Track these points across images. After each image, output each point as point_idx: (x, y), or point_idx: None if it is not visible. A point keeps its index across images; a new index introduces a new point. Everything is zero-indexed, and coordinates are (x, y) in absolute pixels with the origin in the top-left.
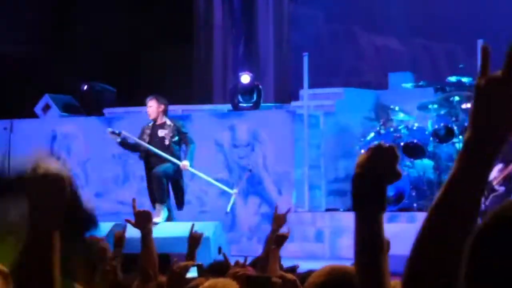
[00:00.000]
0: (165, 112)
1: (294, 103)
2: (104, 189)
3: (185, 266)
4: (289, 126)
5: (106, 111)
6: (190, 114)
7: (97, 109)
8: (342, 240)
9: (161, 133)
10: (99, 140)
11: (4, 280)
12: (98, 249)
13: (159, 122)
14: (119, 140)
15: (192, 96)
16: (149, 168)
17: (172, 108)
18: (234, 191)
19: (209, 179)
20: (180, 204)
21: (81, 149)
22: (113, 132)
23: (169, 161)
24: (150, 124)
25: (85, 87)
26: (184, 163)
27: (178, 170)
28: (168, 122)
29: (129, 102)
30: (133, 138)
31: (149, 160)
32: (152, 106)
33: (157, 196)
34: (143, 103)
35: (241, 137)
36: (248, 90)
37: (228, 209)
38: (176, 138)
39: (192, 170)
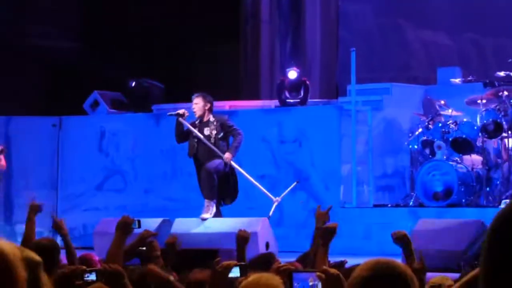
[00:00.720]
0: (210, 110)
1: (341, 99)
2: (153, 185)
3: (228, 265)
4: (336, 121)
5: (155, 107)
6: (237, 110)
7: (145, 106)
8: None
9: (206, 131)
10: (148, 136)
11: (38, 269)
12: (149, 246)
13: (204, 120)
14: (177, 117)
15: (239, 92)
16: (198, 165)
17: (219, 104)
18: (276, 199)
19: (251, 178)
20: (228, 199)
21: (129, 146)
22: (171, 114)
23: (218, 157)
24: (196, 122)
25: (133, 84)
26: (226, 155)
27: (230, 167)
28: (212, 119)
29: (177, 98)
30: (186, 125)
31: (198, 157)
32: (198, 104)
33: (206, 192)
34: (191, 99)
35: (288, 133)
36: (295, 86)
37: (270, 213)
38: (221, 134)
39: (234, 165)
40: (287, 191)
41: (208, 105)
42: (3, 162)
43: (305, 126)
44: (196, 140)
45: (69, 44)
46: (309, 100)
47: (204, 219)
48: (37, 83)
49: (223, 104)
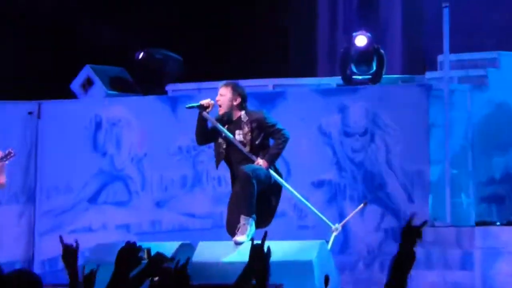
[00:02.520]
0: (241, 107)
1: (429, 74)
2: (167, 195)
3: None
4: (423, 106)
5: (170, 87)
6: (284, 90)
7: (158, 85)
8: (500, 265)
9: (238, 135)
10: (161, 128)
11: None
12: (163, 276)
13: (234, 118)
14: (199, 110)
15: (287, 66)
16: (232, 169)
17: (260, 82)
18: (335, 228)
19: (298, 195)
20: (262, 222)
21: (135, 141)
22: (191, 107)
23: (251, 159)
24: (224, 119)
25: (141, 55)
26: (259, 161)
27: (273, 179)
28: (245, 117)
29: (202, 76)
30: (212, 121)
31: (230, 160)
32: (225, 96)
33: (242, 204)
34: (221, 77)
35: (355, 123)
36: (364, 57)
37: (328, 247)
38: (260, 138)
39: (274, 174)
40: (351, 215)
41: (238, 99)
42: (2, 180)
43: (379, 112)
44: (225, 144)
45: (52, 2)
46: (384, 76)
47: (238, 243)
48: (6, 56)
49: (264, 83)
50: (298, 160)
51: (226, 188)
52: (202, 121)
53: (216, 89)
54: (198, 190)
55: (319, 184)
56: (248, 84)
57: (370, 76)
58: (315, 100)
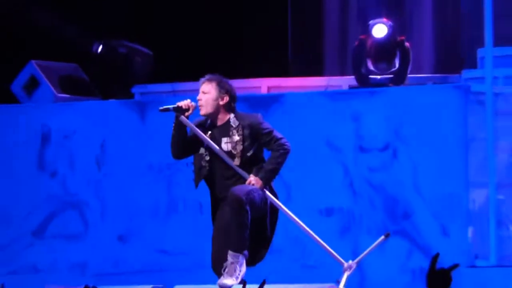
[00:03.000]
0: (229, 108)
1: (467, 73)
2: (134, 226)
3: None
4: (460, 114)
5: (137, 89)
6: (281, 94)
7: (122, 87)
8: None
9: (225, 144)
10: (125, 140)
11: None
12: None
13: (219, 123)
14: (176, 114)
15: (285, 64)
16: (215, 193)
17: (250, 83)
18: (348, 265)
19: (301, 224)
20: (254, 255)
21: (93, 157)
22: (165, 109)
23: (241, 177)
24: (207, 124)
25: (100, 49)
26: (251, 179)
27: (269, 203)
28: (235, 121)
29: (178, 76)
30: (192, 128)
31: (213, 179)
32: (208, 94)
33: (231, 236)
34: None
35: (373, 135)
36: (384, 52)
37: (341, 286)
38: (253, 149)
39: (270, 196)
40: (368, 250)
41: (226, 98)
42: None
43: (404, 121)
44: (208, 155)
45: None
46: (409, 75)
47: (225, 287)
48: None
49: (256, 84)
50: (301, 182)
51: (208, 216)
52: (179, 127)
53: (195, 92)
54: (173, 219)
55: (328, 212)
56: (236, 85)
57: (391, 76)
58: (321, 106)
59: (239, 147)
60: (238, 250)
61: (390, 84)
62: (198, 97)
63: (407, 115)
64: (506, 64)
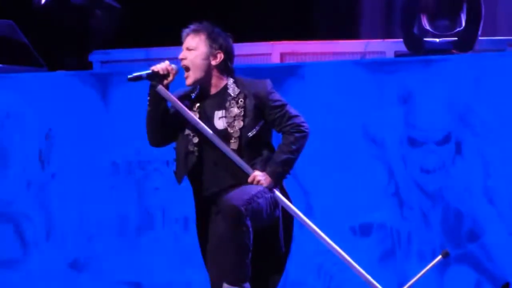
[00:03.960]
0: (225, 69)
1: None
2: (92, 249)
3: None
4: None
5: (97, 57)
6: (300, 64)
7: (75, 53)
8: None
9: (219, 120)
10: (81, 128)
11: None
12: None
13: (212, 91)
14: (151, 83)
15: (306, 22)
16: (202, 198)
17: (259, 49)
18: None
19: (326, 239)
20: (271, 278)
21: (34, 152)
22: (136, 78)
23: (242, 171)
24: (193, 95)
25: None
26: (256, 175)
27: (279, 211)
28: (232, 87)
29: (157, 38)
30: (172, 100)
31: (200, 179)
32: (196, 50)
33: (226, 264)
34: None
35: (428, 121)
36: (445, 4)
37: None
38: (256, 127)
39: (281, 197)
40: (420, 275)
41: (220, 55)
42: None
43: (472, 102)
44: (196, 138)
45: None
46: (480, 38)
47: None
48: None
49: (266, 50)
50: (326, 188)
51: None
52: (157, 101)
53: (176, 61)
54: (147, 239)
55: (364, 230)
56: (239, 52)
57: (455, 39)
58: (356, 81)
59: (238, 124)
60: (235, 282)
61: (454, 50)
62: (180, 56)
63: (477, 93)
64: None
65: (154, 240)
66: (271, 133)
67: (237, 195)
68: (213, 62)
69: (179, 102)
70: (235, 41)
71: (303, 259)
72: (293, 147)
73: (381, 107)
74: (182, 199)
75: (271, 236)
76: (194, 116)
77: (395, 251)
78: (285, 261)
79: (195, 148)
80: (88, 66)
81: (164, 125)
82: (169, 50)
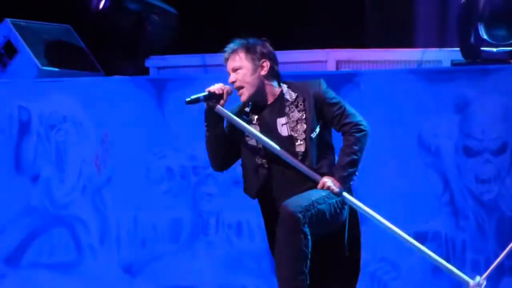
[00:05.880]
0: (275, 75)
1: None
2: (146, 254)
3: None
4: None
5: (154, 62)
6: (356, 72)
7: (132, 58)
8: None
9: (283, 127)
10: (136, 133)
11: None
12: None
13: (269, 101)
14: (207, 104)
15: (361, 31)
16: (270, 208)
17: (313, 56)
18: (474, 284)
19: (403, 234)
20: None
21: (90, 156)
22: (194, 100)
23: (312, 183)
24: (248, 110)
25: (102, 3)
26: (325, 181)
27: (345, 214)
28: (288, 93)
29: (213, 44)
30: (231, 118)
31: (270, 194)
32: (242, 68)
33: (280, 273)
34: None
35: (485, 131)
36: (503, 13)
37: None
38: (318, 128)
39: (350, 198)
40: (500, 258)
41: (266, 63)
42: None
43: None
44: (261, 151)
45: None
46: None
47: None
48: None
49: (321, 57)
50: (378, 197)
51: (254, 242)
52: (215, 122)
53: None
54: (201, 245)
55: (419, 239)
56: (291, 59)
57: None
58: (411, 90)
59: (301, 127)
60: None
61: (511, 60)
62: (230, 80)
63: None
64: None
65: (207, 245)
66: (331, 132)
67: (296, 201)
68: (262, 73)
69: (238, 119)
70: (291, 48)
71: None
72: (355, 147)
73: (436, 116)
74: (236, 204)
75: (339, 240)
76: (255, 130)
77: (449, 261)
78: (358, 268)
79: (264, 160)
80: (144, 71)
81: (226, 146)
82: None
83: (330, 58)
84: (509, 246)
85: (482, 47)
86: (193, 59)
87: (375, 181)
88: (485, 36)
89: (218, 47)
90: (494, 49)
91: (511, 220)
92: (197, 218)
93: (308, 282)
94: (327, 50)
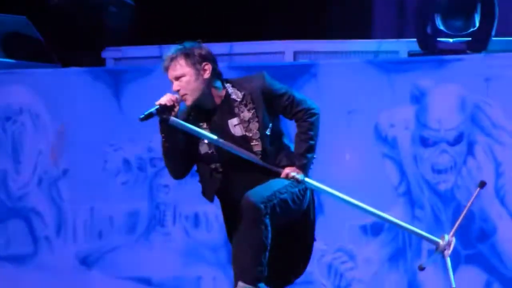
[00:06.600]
0: (217, 76)
1: None
2: (102, 246)
3: None
4: None
5: (110, 53)
6: (314, 63)
7: (88, 50)
8: None
9: (235, 127)
10: (92, 124)
11: None
12: None
13: (216, 103)
14: (160, 117)
15: (319, 22)
16: (227, 206)
17: (271, 48)
18: (444, 244)
19: (369, 208)
20: (292, 273)
21: (46, 147)
22: (147, 116)
23: (275, 173)
24: (194, 114)
25: None
26: (288, 172)
27: (307, 200)
28: (234, 92)
29: (171, 34)
30: (185, 127)
31: (232, 190)
32: (186, 77)
33: (241, 261)
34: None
35: (441, 121)
36: (460, 3)
37: (453, 283)
38: (270, 122)
39: (313, 183)
40: (465, 210)
41: (208, 66)
42: None
43: (485, 103)
44: (214, 156)
45: None
46: (494, 38)
47: None
48: None
49: (278, 49)
50: (334, 185)
51: (211, 233)
52: (171, 133)
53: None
54: (158, 237)
55: (375, 229)
56: (250, 50)
57: (469, 39)
58: (369, 81)
59: (254, 126)
60: (250, 281)
61: (468, 51)
62: (174, 88)
63: (491, 93)
64: None
65: (164, 237)
66: (279, 120)
67: (258, 192)
68: (205, 76)
69: (193, 127)
70: (249, 39)
71: (313, 258)
72: (311, 133)
73: (393, 107)
74: (193, 196)
75: (301, 227)
76: (210, 134)
77: (405, 251)
78: (311, 252)
79: (217, 164)
80: (101, 62)
81: (183, 155)
82: None
83: (288, 49)
84: (473, 197)
85: (439, 37)
86: (150, 50)
87: (331, 171)
88: (441, 27)
89: (175, 38)
90: (451, 40)
91: (469, 211)
92: (154, 210)
93: (266, 273)
94: (285, 41)
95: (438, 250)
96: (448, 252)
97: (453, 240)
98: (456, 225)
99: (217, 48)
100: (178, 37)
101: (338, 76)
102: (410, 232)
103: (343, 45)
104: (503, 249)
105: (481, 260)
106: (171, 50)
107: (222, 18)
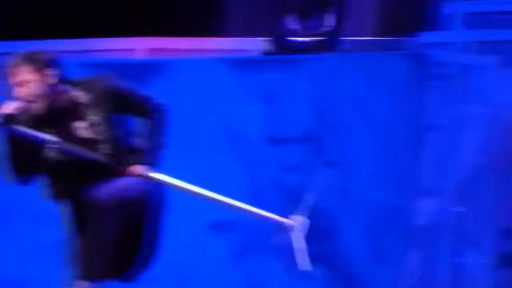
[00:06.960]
0: (61, 79)
1: (427, 36)
2: None
3: None
4: (414, 92)
5: None
6: (165, 60)
7: None
8: None
9: (82, 130)
10: None
11: None
12: None
13: (61, 106)
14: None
15: (171, 18)
16: (73, 207)
17: (120, 44)
18: (296, 223)
19: (223, 198)
20: (135, 267)
21: None
22: None
23: (118, 171)
24: (40, 118)
25: None
26: (134, 170)
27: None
28: (80, 96)
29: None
30: (29, 133)
31: (68, 193)
32: (32, 82)
33: (88, 257)
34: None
35: (289, 120)
36: (311, 6)
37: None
38: (118, 119)
39: (160, 177)
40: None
41: (52, 71)
42: None
43: (335, 102)
44: (57, 162)
45: None
46: (344, 38)
47: None
48: None
49: (129, 45)
50: (192, 175)
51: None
52: (18, 142)
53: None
54: (4, 234)
55: (221, 228)
56: (100, 46)
57: (322, 38)
58: (220, 79)
59: (101, 128)
60: (95, 277)
61: (319, 50)
62: (17, 94)
63: (340, 94)
64: (481, 25)
65: (10, 236)
66: (127, 119)
67: (106, 189)
68: (50, 81)
69: (37, 134)
70: (96, 36)
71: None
72: (157, 129)
73: (244, 106)
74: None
75: (143, 223)
76: (55, 138)
77: (251, 248)
78: (156, 244)
79: (64, 166)
80: None
81: (28, 160)
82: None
83: (139, 46)
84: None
85: (292, 37)
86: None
87: (179, 170)
88: (295, 26)
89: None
90: (304, 39)
91: (315, 209)
92: (3, 206)
93: (112, 269)
94: (137, 38)
95: (290, 228)
96: (299, 234)
97: (305, 221)
98: (304, 206)
99: (67, 44)
100: (24, 35)
101: (190, 74)
102: (260, 217)
103: (198, 43)
104: (346, 247)
105: (325, 258)
106: (14, 55)
107: (71, 14)
